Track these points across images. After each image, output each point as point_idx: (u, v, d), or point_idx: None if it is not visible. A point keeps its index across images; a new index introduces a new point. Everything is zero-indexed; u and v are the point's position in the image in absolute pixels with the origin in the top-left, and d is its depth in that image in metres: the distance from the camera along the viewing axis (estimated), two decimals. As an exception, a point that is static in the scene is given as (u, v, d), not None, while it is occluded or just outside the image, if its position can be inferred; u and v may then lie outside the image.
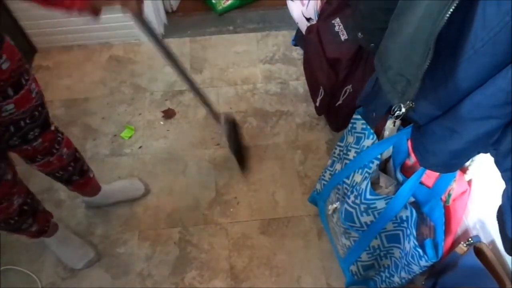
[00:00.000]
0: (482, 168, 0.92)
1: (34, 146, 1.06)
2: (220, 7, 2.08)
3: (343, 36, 1.23)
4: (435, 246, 0.96)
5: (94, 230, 1.47)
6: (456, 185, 0.96)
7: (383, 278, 1.17)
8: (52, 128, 1.10)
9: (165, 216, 1.50)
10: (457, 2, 0.56)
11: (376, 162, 1.07)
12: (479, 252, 0.90)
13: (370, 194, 1.04)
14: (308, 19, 1.42)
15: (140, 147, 1.66)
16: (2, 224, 1.09)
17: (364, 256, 1.16)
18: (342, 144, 1.25)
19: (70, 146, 1.20)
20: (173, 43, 1.99)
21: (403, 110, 0.81)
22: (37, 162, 1.12)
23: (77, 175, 1.27)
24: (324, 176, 1.35)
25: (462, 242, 0.95)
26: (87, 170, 1.32)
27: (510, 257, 0.84)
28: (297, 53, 1.96)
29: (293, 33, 1.69)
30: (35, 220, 1.19)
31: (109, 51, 1.97)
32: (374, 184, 1.09)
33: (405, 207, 1.00)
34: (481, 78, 0.62)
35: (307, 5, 1.40)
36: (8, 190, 1.03)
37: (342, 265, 1.34)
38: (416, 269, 1.01)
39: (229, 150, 1.49)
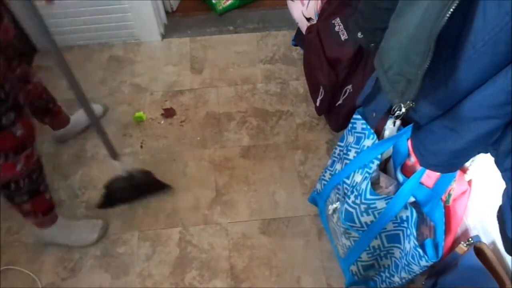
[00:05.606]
0: (482, 168, 0.92)
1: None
2: (220, 7, 2.08)
3: (343, 36, 1.23)
4: (435, 246, 0.96)
5: (94, 230, 1.46)
6: (456, 185, 0.96)
7: (383, 278, 1.17)
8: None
9: (165, 216, 1.50)
10: (457, 2, 0.56)
11: (376, 162, 1.07)
12: (479, 252, 0.90)
13: (370, 194, 1.04)
14: (308, 19, 1.42)
15: (141, 146, 1.66)
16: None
17: (364, 256, 1.16)
18: (342, 144, 1.25)
19: (38, 77, 1.40)
20: (173, 43, 1.99)
21: (403, 110, 0.81)
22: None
23: (51, 102, 1.49)
24: (324, 176, 1.35)
25: (462, 242, 0.95)
26: (55, 99, 1.51)
27: (510, 257, 0.84)
28: (297, 53, 1.96)
29: (293, 33, 1.69)
30: (32, 200, 1.19)
31: (109, 51, 1.96)
32: (374, 184, 1.09)
33: (405, 207, 1.00)
34: (481, 78, 0.62)
35: (307, 5, 1.40)
36: (10, 146, 1.00)
37: (342, 265, 1.34)
38: (416, 269, 1.01)
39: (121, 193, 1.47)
